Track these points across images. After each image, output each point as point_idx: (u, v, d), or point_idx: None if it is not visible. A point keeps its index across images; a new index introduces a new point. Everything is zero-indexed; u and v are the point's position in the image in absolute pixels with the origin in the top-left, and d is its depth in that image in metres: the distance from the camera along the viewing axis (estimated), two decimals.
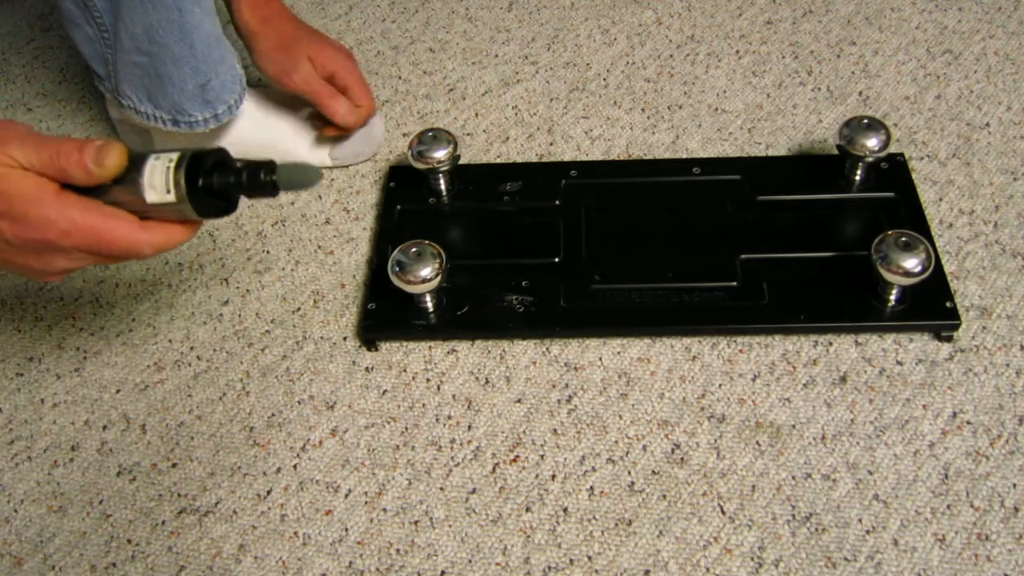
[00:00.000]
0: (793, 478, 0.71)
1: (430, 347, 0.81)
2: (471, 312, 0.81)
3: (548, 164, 0.94)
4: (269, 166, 0.59)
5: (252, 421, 0.78)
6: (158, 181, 0.58)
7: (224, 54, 0.86)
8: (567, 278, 0.82)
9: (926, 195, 0.88)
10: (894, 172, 0.88)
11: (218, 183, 0.60)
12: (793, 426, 0.74)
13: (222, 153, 0.61)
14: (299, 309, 0.85)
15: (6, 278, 0.91)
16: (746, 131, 0.96)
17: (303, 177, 0.60)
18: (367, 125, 0.95)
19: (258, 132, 0.93)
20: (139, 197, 0.58)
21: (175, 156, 0.59)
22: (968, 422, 0.73)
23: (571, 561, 0.68)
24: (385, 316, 0.81)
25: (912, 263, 0.74)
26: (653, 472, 0.72)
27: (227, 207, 0.62)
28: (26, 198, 0.56)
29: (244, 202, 0.94)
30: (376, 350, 0.81)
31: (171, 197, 0.58)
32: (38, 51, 1.16)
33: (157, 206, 0.59)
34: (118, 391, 0.81)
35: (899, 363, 0.77)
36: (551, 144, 0.97)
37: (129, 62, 0.84)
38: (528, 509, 0.71)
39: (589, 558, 0.68)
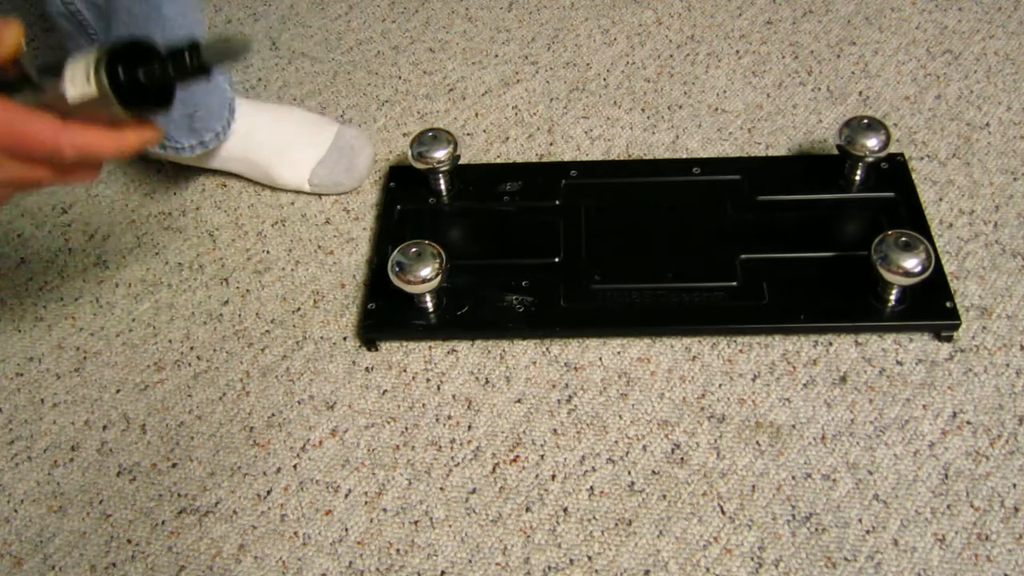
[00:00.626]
0: (793, 478, 0.71)
1: (430, 347, 0.81)
2: (471, 312, 0.81)
3: (548, 164, 0.94)
4: (193, 46, 0.55)
5: (252, 421, 0.78)
6: (78, 76, 0.54)
7: (215, 83, 0.86)
8: (567, 278, 0.82)
9: (926, 195, 0.88)
10: (894, 172, 0.88)
11: (143, 73, 0.55)
12: (793, 426, 0.74)
13: (147, 43, 0.56)
14: (299, 309, 0.85)
15: (6, 277, 0.91)
16: (746, 131, 0.96)
17: (229, 50, 0.55)
18: (350, 153, 0.93)
19: (241, 149, 0.93)
20: (60, 97, 0.54)
21: (96, 50, 0.54)
22: (968, 422, 0.73)
23: (571, 561, 0.68)
24: (385, 316, 0.81)
25: (912, 263, 0.74)
26: (653, 472, 0.72)
27: (159, 101, 0.57)
28: None
29: (244, 202, 0.94)
30: (376, 350, 0.81)
31: (91, 90, 0.53)
32: (38, 51, 1.16)
33: (80, 104, 0.54)
34: (118, 391, 0.81)
35: (899, 363, 0.77)
36: (551, 144, 0.97)
37: None
38: (528, 509, 0.71)
39: (589, 558, 0.68)
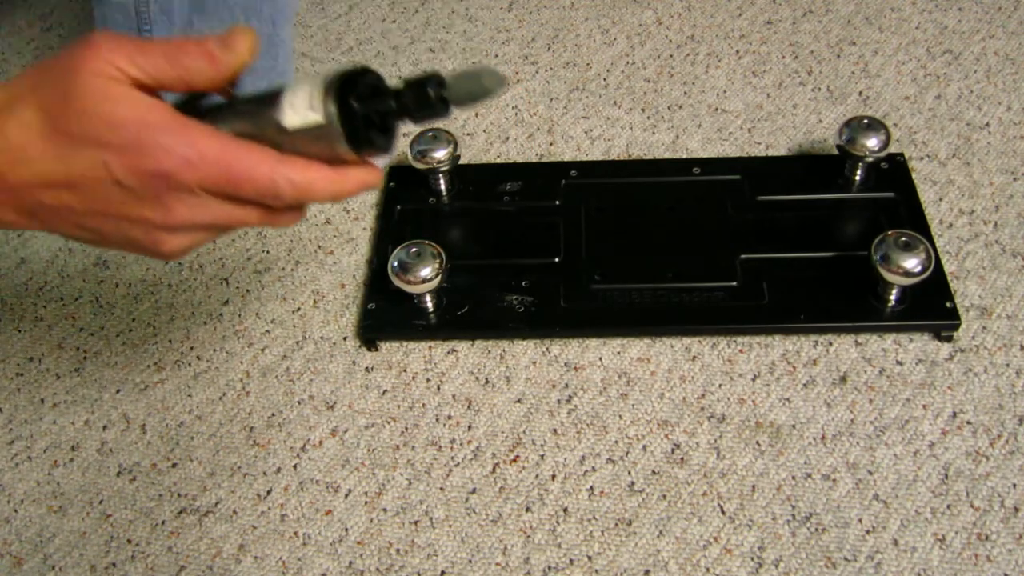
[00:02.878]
0: (793, 478, 0.71)
1: (430, 347, 0.81)
2: (471, 312, 0.81)
3: (548, 164, 0.94)
4: (435, 79, 0.48)
5: (252, 421, 0.78)
6: (300, 100, 0.46)
7: (294, 73, 0.86)
8: (567, 278, 0.82)
9: (926, 195, 0.88)
10: (894, 172, 0.88)
11: (375, 105, 0.48)
12: (793, 426, 0.74)
13: (375, 75, 0.49)
14: (299, 309, 0.85)
15: (6, 277, 0.91)
16: (746, 131, 0.96)
17: (478, 87, 0.47)
18: None
19: None
20: (273, 126, 0.46)
21: (321, 77, 0.47)
22: (968, 422, 0.73)
23: (571, 561, 0.68)
24: (385, 316, 0.81)
25: (912, 263, 0.74)
26: (653, 472, 0.72)
27: (384, 141, 0.50)
28: (138, 121, 0.44)
29: None
30: (376, 350, 0.81)
31: (316, 116, 0.46)
32: (38, 51, 1.16)
33: (299, 133, 0.46)
34: (118, 391, 0.81)
35: (899, 363, 0.77)
36: (551, 144, 0.97)
37: None
38: (528, 509, 0.71)
39: (589, 558, 0.68)
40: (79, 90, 0.43)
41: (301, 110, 0.46)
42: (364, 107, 0.47)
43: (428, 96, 0.47)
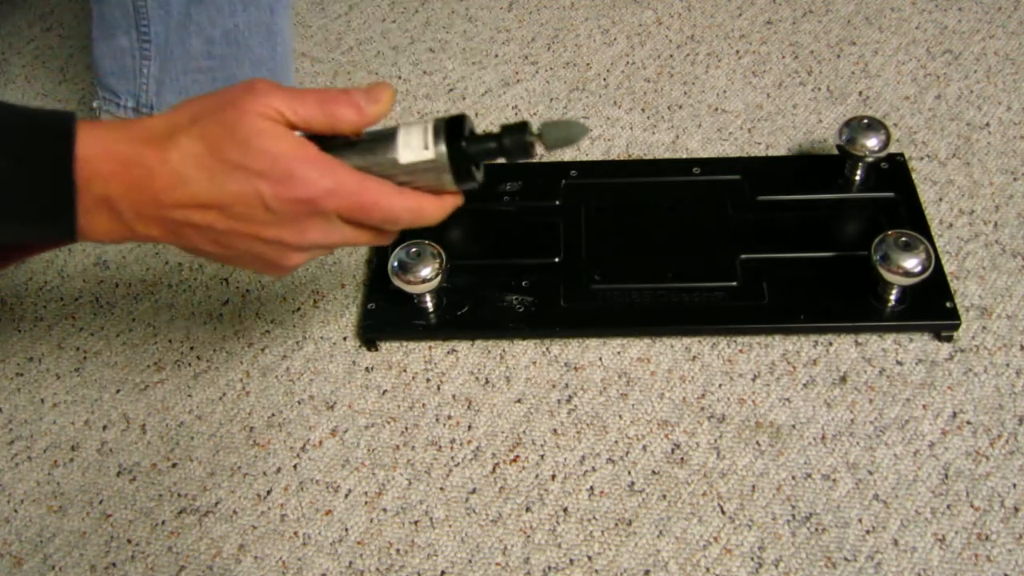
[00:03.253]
0: (793, 478, 0.71)
1: (430, 347, 0.81)
2: (471, 312, 0.81)
3: (548, 164, 0.94)
4: (527, 126, 0.57)
5: (252, 421, 0.78)
6: (415, 140, 0.55)
7: (292, 62, 0.86)
8: (567, 278, 0.82)
9: (926, 195, 0.88)
10: (894, 172, 0.88)
11: (479, 147, 0.57)
12: (793, 426, 0.74)
13: (469, 120, 0.58)
14: (299, 309, 0.85)
15: (6, 277, 0.91)
16: (746, 131, 0.96)
17: (568, 133, 0.57)
18: None
19: None
20: (389, 162, 0.55)
21: (429, 121, 0.56)
22: (968, 422, 0.73)
23: (571, 561, 0.68)
24: (385, 316, 0.81)
25: (912, 263, 0.74)
26: (653, 472, 0.72)
27: (480, 175, 0.59)
28: (291, 155, 0.52)
29: None
30: (376, 350, 0.81)
31: (429, 154, 0.55)
32: (38, 51, 1.16)
33: (411, 167, 0.55)
34: (118, 391, 0.81)
35: (899, 363, 0.77)
36: None
37: (189, 68, 0.83)
38: (528, 509, 0.71)
39: (589, 558, 0.68)
40: (242, 126, 0.51)
41: (416, 149, 0.55)
42: (470, 148, 0.56)
43: (527, 142, 0.57)
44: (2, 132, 0.49)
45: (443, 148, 0.55)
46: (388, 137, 0.56)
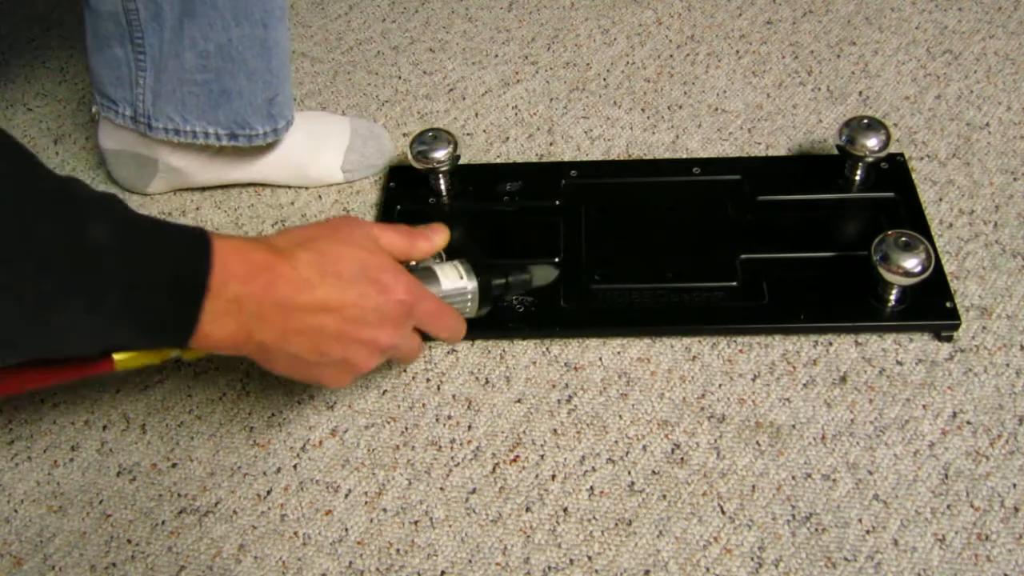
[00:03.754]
0: (793, 478, 0.71)
1: (430, 347, 0.81)
2: None
3: (548, 164, 0.94)
4: (524, 268, 0.75)
5: (252, 421, 0.78)
6: (451, 273, 0.70)
7: (290, 72, 0.86)
8: (567, 278, 0.82)
9: (926, 195, 0.88)
10: (894, 172, 0.88)
11: (497, 280, 0.73)
12: (793, 426, 0.74)
13: (485, 259, 0.73)
14: None
15: None
16: (746, 131, 0.96)
17: (546, 275, 0.77)
18: (376, 137, 0.95)
19: (276, 153, 0.93)
20: (435, 288, 0.68)
21: (462, 260, 0.71)
22: (968, 422, 0.73)
23: (571, 561, 0.68)
24: None
25: (912, 263, 0.74)
26: (653, 472, 0.72)
27: (492, 306, 0.74)
28: (393, 268, 0.63)
29: (244, 202, 0.94)
30: None
31: (465, 283, 0.70)
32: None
33: (448, 293, 0.69)
34: (118, 391, 0.81)
35: (899, 363, 0.77)
36: (551, 144, 0.97)
37: (184, 80, 0.83)
38: (528, 509, 0.71)
39: (589, 558, 0.68)
40: (351, 244, 0.62)
41: (453, 279, 0.70)
42: (492, 281, 0.72)
43: (523, 279, 0.75)
44: (142, 238, 0.53)
45: (475, 280, 0.70)
46: (427, 270, 0.69)
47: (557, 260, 0.83)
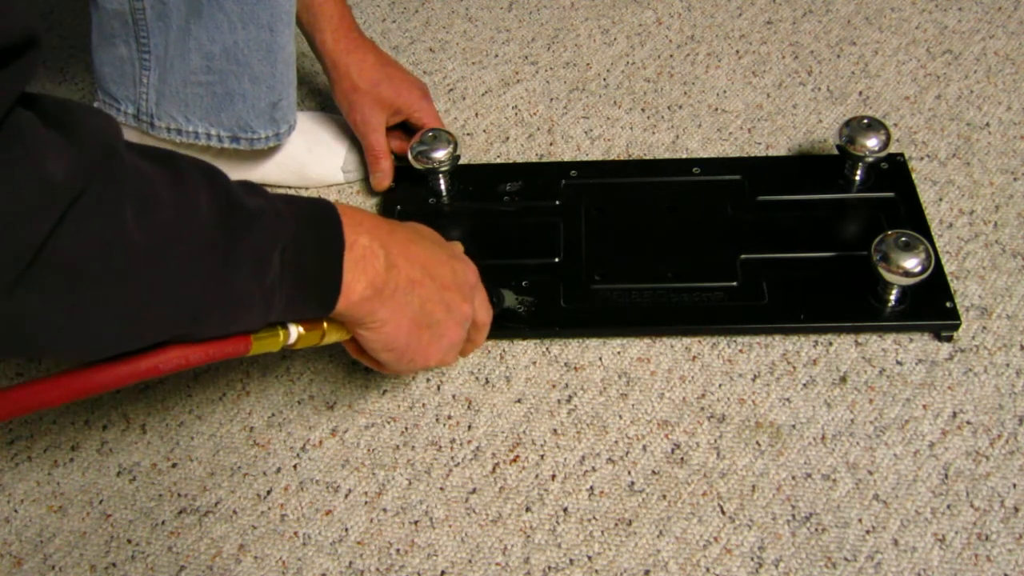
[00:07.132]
0: (793, 478, 0.71)
1: None
2: None
3: (548, 164, 0.94)
4: (498, 293, 0.81)
5: (252, 421, 0.78)
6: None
7: (294, 77, 0.86)
8: (567, 278, 0.82)
9: (926, 195, 0.88)
10: (894, 172, 0.88)
11: (503, 307, 0.80)
12: (793, 426, 0.74)
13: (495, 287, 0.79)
14: None
15: None
16: (746, 131, 0.96)
17: (509, 300, 0.81)
18: None
19: (279, 154, 0.93)
20: None
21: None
22: (968, 422, 0.73)
23: (571, 561, 0.68)
24: None
25: (912, 263, 0.74)
26: (653, 472, 0.72)
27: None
28: (461, 251, 0.71)
29: None
30: None
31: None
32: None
33: None
34: (118, 391, 0.81)
35: (899, 363, 0.77)
36: (551, 144, 0.97)
37: (188, 81, 0.83)
38: (528, 509, 0.71)
39: (589, 558, 0.68)
40: (420, 232, 0.67)
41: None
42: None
43: (499, 305, 0.79)
44: (284, 202, 0.55)
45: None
46: None
47: (557, 260, 0.83)
